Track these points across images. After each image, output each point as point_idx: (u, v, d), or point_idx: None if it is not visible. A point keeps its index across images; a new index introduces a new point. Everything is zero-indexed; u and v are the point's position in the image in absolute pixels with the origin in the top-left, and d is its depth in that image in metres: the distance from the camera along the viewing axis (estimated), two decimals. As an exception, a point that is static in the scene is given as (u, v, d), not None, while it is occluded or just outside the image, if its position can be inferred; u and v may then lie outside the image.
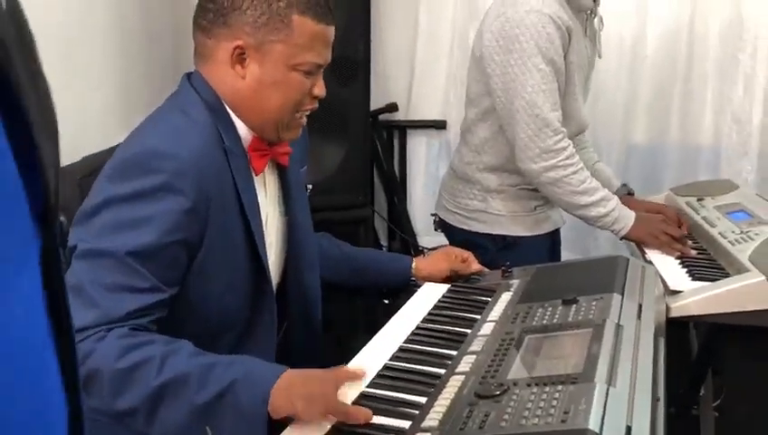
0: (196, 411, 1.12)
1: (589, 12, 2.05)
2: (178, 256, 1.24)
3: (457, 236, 2.14)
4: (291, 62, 1.32)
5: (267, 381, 1.13)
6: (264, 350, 1.39)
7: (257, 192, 1.38)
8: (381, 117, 3.04)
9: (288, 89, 1.34)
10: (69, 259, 1.18)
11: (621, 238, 1.99)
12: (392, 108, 3.06)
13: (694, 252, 1.85)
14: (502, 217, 2.09)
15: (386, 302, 2.51)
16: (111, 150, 1.33)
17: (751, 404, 2.05)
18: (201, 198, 1.24)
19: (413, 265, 1.73)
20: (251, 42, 1.31)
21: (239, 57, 1.32)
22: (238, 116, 1.36)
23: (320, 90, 1.38)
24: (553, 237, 2.24)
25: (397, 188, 3.09)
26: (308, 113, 1.41)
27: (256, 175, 1.38)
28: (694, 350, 2.12)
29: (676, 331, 1.97)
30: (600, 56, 2.17)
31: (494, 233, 2.09)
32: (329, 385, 1.13)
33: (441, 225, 2.26)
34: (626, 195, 2.26)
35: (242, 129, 1.36)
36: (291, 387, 1.12)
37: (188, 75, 1.39)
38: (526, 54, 1.87)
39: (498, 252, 2.04)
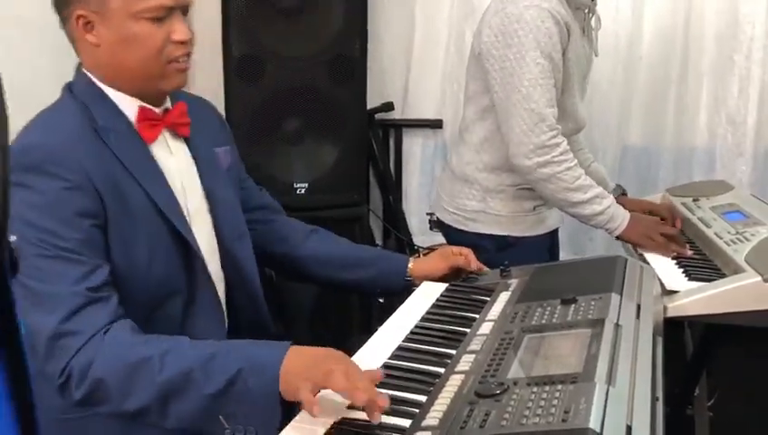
0: (208, 402, 1.15)
1: (587, 10, 2.06)
2: (85, 229, 1.25)
3: (456, 237, 2.14)
4: (132, 12, 1.31)
5: (273, 364, 1.14)
6: (211, 317, 1.43)
7: (165, 161, 1.39)
8: (377, 116, 3.04)
9: (141, 41, 1.33)
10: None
11: (617, 238, 1.99)
12: (388, 107, 3.06)
13: (690, 252, 1.86)
14: (501, 218, 2.09)
15: (380, 301, 2.52)
16: None
17: (745, 404, 2.07)
18: (80, 177, 1.26)
19: (409, 264, 1.72)
20: (90, 7, 1.31)
21: (86, 26, 1.33)
22: (115, 87, 1.37)
23: (179, 34, 1.35)
24: (552, 238, 2.25)
25: (392, 188, 3.09)
26: (185, 59, 1.39)
27: (148, 143, 1.38)
28: (689, 350, 2.13)
29: (672, 331, 1.98)
30: (596, 54, 2.18)
31: (493, 233, 2.09)
32: (346, 360, 1.16)
33: (439, 225, 2.26)
34: (620, 195, 2.27)
35: (123, 102, 1.37)
36: (303, 368, 1.13)
37: (68, 84, 1.41)
38: (524, 49, 1.88)
39: (497, 252, 2.03)
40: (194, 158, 1.47)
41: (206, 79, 2.89)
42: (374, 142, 3.02)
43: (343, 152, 2.67)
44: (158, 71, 1.36)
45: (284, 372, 1.14)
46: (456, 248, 1.77)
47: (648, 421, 1.00)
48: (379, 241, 3.11)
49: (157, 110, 1.41)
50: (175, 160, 1.43)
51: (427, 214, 3.04)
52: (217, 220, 1.48)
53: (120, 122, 1.36)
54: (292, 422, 1.11)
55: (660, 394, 1.15)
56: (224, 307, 1.49)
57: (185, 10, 1.39)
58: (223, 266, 1.50)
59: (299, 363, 1.15)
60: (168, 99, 1.46)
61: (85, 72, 1.38)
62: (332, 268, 1.71)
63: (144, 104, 1.39)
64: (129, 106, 1.37)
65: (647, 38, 2.83)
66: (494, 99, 1.97)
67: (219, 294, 1.47)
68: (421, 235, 3.07)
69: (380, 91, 3.05)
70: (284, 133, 2.61)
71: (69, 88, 1.39)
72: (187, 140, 1.47)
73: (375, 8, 2.89)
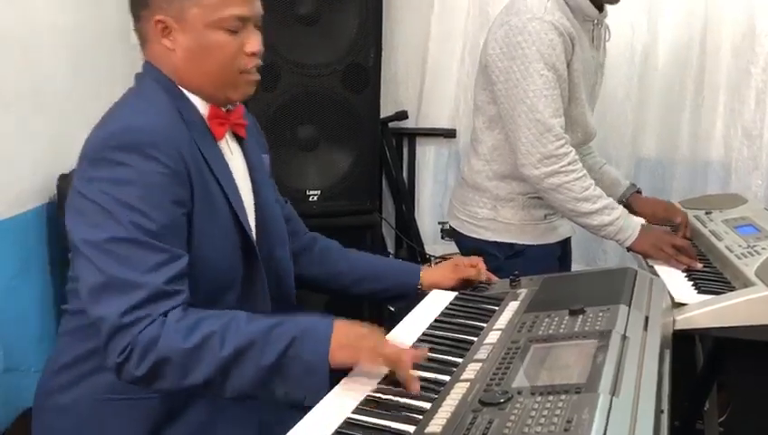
0: (263, 372, 1.22)
1: (595, 21, 2.06)
2: (175, 217, 1.28)
3: (467, 244, 2.16)
4: (209, 22, 1.34)
5: (325, 332, 1.24)
6: (260, 313, 1.43)
7: (228, 160, 1.42)
8: (391, 124, 3.05)
9: (216, 50, 1.36)
10: None
11: (627, 249, 1.99)
12: (402, 116, 3.08)
13: (700, 265, 1.85)
14: (511, 226, 2.10)
15: (391, 309, 2.52)
16: None
17: (757, 419, 2.05)
18: (177, 164, 1.28)
19: (420, 273, 1.72)
20: (169, 13, 1.34)
21: (163, 31, 1.35)
22: (187, 89, 1.40)
23: (252, 46, 1.39)
24: (564, 247, 2.24)
25: (405, 196, 3.10)
26: (255, 70, 1.42)
27: (218, 139, 1.41)
28: (699, 363, 2.12)
29: (682, 344, 1.97)
30: (602, 66, 2.18)
31: (502, 241, 2.10)
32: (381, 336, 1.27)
33: (451, 232, 2.27)
34: (634, 193, 2.27)
35: (196, 101, 1.40)
36: (353, 338, 1.24)
37: (139, 74, 1.43)
38: (528, 60, 1.90)
39: (506, 260, 2.05)
40: (247, 160, 1.50)
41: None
42: (387, 151, 3.04)
43: (357, 160, 2.68)
44: (229, 80, 1.39)
45: (335, 340, 1.23)
46: (467, 260, 1.77)
47: (651, 433, 0.99)
48: (390, 249, 3.12)
49: (223, 109, 1.45)
50: (235, 160, 1.46)
51: (439, 223, 3.05)
52: (263, 223, 1.49)
53: (196, 117, 1.39)
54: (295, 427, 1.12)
55: (666, 407, 1.14)
56: (269, 305, 1.50)
57: (258, 22, 1.42)
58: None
59: (349, 334, 1.25)
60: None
61: (157, 68, 1.39)
62: (344, 283, 1.72)
63: (212, 104, 1.42)
64: (201, 105, 1.40)
65: (662, 50, 2.83)
66: (500, 109, 2.00)
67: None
68: (433, 243, 3.08)
69: (394, 99, 3.07)
70: (298, 140, 2.63)
71: (148, 77, 1.40)
72: (241, 143, 1.51)
73: (390, 17, 2.91)
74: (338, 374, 1.24)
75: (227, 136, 1.46)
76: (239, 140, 1.51)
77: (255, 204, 1.50)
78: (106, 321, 1.22)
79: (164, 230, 1.25)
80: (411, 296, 1.71)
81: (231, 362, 1.22)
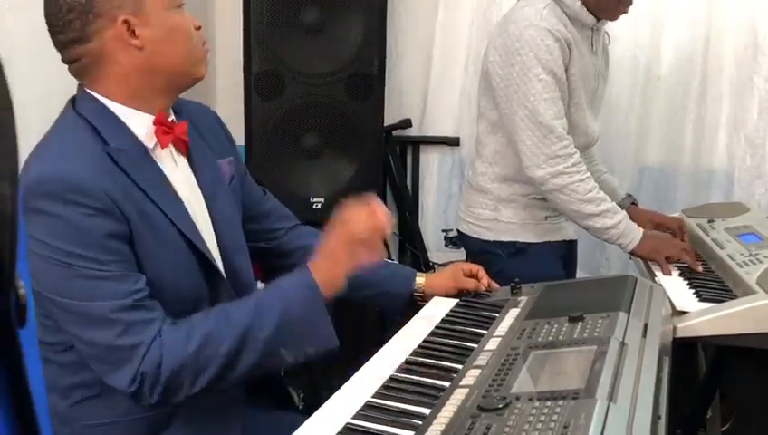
0: (267, 346, 1.28)
1: (593, 28, 2.08)
2: (116, 248, 1.27)
3: (472, 246, 2.21)
4: (166, 4, 1.35)
5: (307, 284, 1.31)
6: None
7: (171, 173, 1.39)
8: (395, 133, 3.07)
9: (181, 30, 1.37)
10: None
11: (629, 254, 2.00)
12: (406, 124, 3.09)
13: (701, 268, 1.87)
14: (512, 225, 2.13)
15: (400, 316, 2.53)
16: None
17: (761, 429, 2.05)
18: (103, 202, 1.26)
19: (417, 278, 1.72)
20: (127, 11, 1.31)
21: (129, 31, 1.32)
22: (131, 104, 1.35)
23: (195, 20, 1.41)
24: (569, 248, 2.26)
25: (409, 204, 3.11)
26: (206, 52, 1.43)
27: (162, 147, 1.38)
28: (702, 371, 2.12)
29: (684, 352, 1.97)
30: (603, 72, 2.20)
31: (504, 240, 2.14)
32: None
33: (459, 236, 2.32)
34: (630, 205, 2.28)
35: (132, 119, 1.35)
36: (332, 264, 1.33)
37: (72, 100, 1.39)
38: (527, 66, 1.94)
39: (509, 258, 2.10)
40: (194, 171, 1.47)
41: (227, 94, 2.94)
42: (391, 159, 3.05)
43: (360, 168, 2.70)
44: (197, 55, 1.40)
45: (319, 280, 1.31)
46: (466, 266, 1.77)
47: (647, 439, 1.00)
48: (394, 257, 3.12)
49: (170, 117, 1.42)
50: (180, 173, 1.43)
51: (443, 231, 3.06)
52: (219, 233, 1.48)
53: (129, 141, 1.35)
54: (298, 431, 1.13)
55: (664, 413, 1.15)
56: None
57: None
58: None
59: (326, 266, 1.33)
60: (172, 111, 1.45)
61: (89, 91, 1.36)
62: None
63: (155, 116, 1.38)
64: (138, 124, 1.36)
65: (665, 58, 2.84)
66: (501, 115, 2.04)
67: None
68: (437, 251, 3.09)
69: (398, 107, 3.08)
70: (302, 148, 2.65)
71: (72, 106, 1.38)
72: (188, 153, 1.47)
73: (394, 26, 2.93)
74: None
75: (171, 148, 1.41)
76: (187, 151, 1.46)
77: (209, 215, 1.47)
78: (99, 352, 1.26)
79: (114, 263, 1.26)
80: (404, 306, 1.71)
81: (234, 352, 1.27)
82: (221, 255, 1.47)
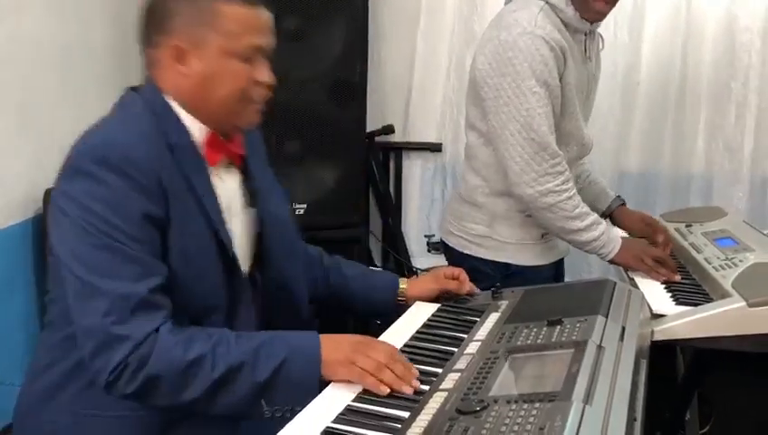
0: (255, 390, 1.27)
1: (586, 32, 2.00)
2: (148, 232, 1.28)
3: (459, 261, 2.07)
4: (226, 50, 1.36)
5: (314, 351, 1.29)
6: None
7: (216, 183, 1.41)
8: (377, 139, 3.08)
9: (229, 78, 1.37)
10: None
11: (609, 262, 2.01)
12: (389, 130, 3.10)
13: (678, 277, 1.86)
14: (508, 245, 2.06)
15: (378, 322, 2.53)
16: None
17: (739, 430, 2.07)
18: (151, 182, 1.29)
19: (401, 284, 1.73)
20: (187, 39, 1.35)
21: (179, 56, 1.36)
22: (193, 114, 1.39)
23: (262, 75, 1.40)
24: (558, 268, 2.20)
25: (391, 210, 3.12)
26: (261, 103, 1.44)
27: (211, 165, 1.40)
28: (681, 374, 2.14)
29: (663, 355, 1.99)
30: (596, 76, 2.15)
31: (497, 260, 2.06)
32: (378, 346, 1.33)
33: (444, 248, 2.22)
34: (619, 206, 2.27)
35: (194, 124, 1.39)
36: (342, 354, 1.29)
37: (133, 88, 1.43)
38: (520, 77, 1.85)
39: (502, 280, 1.95)
40: (249, 179, 1.49)
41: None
42: (374, 165, 3.06)
43: (343, 174, 2.71)
44: (238, 108, 1.40)
45: (325, 357, 1.29)
46: (448, 270, 1.76)
47: (622, 440, 1.01)
48: (378, 263, 3.13)
49: (222, 137, 1.44)
50: (224, 185, 1.45)
51: (426, 236, 3.08)
52: (267, 239, 1.50)
53: (186, 140, 1.38)
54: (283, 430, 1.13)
55: (639, 415, 1.16)
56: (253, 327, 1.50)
57: (269, 53, 1.43)
58: (265, 286, 1.53)
59: (337, 348, 1.30)
60: None
61: (162, 91, 1.40)
62: (321, 296, 1.72)
63: (212, 130, 1.42)
64: (197, 129, 1.40)
65: (645, 64, 2.87)
66: (489, 126, 1.95)
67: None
68: (420, 256, 3.10)
69: (381, 113, 3.09)
70: (285, 154, 2.65)
71: (140, 96, 1.40)
72: (243, 167, 1.50)
73: (376, 32, 2.94)
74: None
75: (223, 161, 1.45)
76: (242, 163, 1.49)
77: (259, 218, 1.50)
78: (91, 332, 1.24)
79: (138, 243, 1.27)
80: (388, 312, 1.71)
81: (221, 383, 1.25)
82: (268, 261, 1.50)
